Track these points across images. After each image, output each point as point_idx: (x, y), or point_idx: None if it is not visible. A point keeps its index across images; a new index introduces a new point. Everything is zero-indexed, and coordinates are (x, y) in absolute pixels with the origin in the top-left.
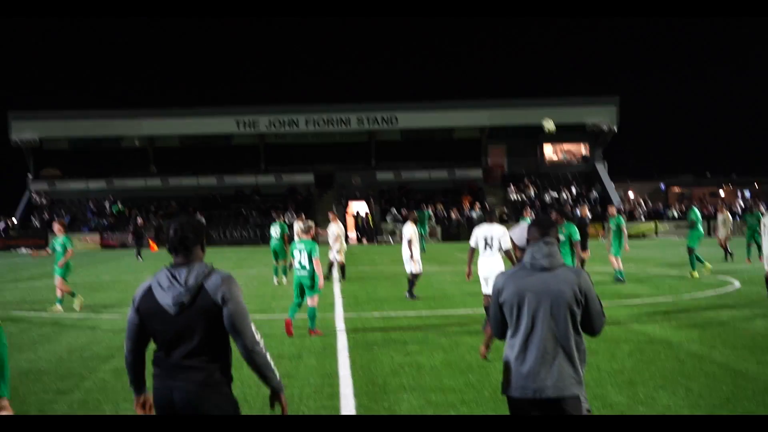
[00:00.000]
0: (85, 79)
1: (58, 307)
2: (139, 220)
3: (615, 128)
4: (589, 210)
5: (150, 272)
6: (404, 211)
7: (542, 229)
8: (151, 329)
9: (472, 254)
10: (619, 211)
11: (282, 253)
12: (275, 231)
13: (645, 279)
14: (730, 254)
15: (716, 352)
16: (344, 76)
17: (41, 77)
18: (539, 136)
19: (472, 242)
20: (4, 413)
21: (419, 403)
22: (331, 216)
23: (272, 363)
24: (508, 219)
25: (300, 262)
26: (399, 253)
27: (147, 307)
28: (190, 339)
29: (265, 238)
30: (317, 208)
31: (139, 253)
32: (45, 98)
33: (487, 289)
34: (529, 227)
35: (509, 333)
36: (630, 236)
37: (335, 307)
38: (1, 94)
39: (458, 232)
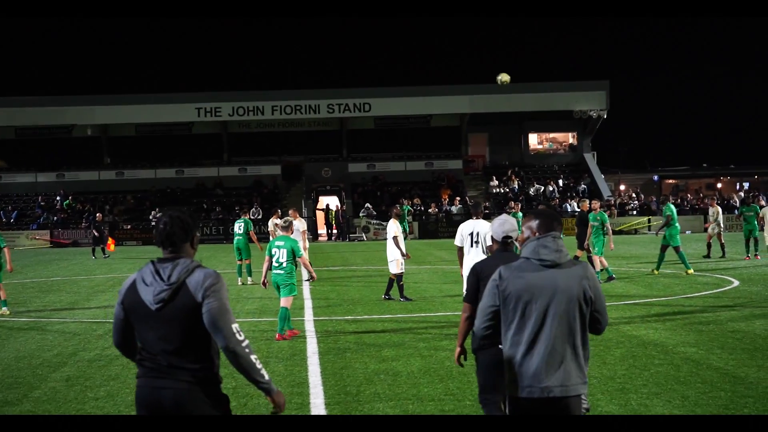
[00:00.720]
0: (32, 62)
1: (5, 309)
2: (98, 216)
3: (605, 115)
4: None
5: (104, 271)
6: (384, 206)
7: (548, 222)
8: (135, 325)
9: (461, 253)
10: (604, 206)
11: (246, 251)
12: (239, 227)
13: (637, 278)
14: (724, 251)
15: (714, 357)
16: (313, 60)
17: None
18: (523, 123)
19: (457, 241)
20: None
21: (395, 413)
22: (291, 213)
23: (258, 364)
24: (492, 213)
25: (278, 260)
26: (372, 251)
27: (130, 302)
28: (174, 337)
29: (229, 236)
30: (285, 202)
31: (94, 252)
32: None
33: None
34: (533, 220)
35: (511, 330)
36: (621, 232)
37: (305, 310)
38: None
39: (436, 228)
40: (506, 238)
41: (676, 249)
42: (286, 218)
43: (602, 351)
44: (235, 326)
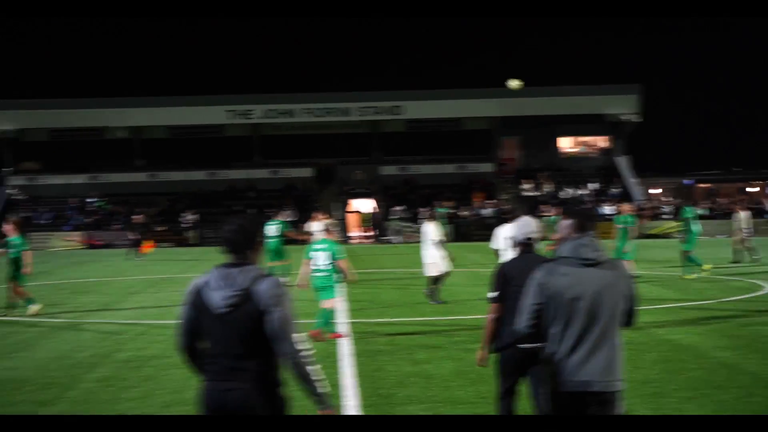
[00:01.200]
0: (67, 65)
1: (34, 307)
2: (139, 217)
3: (637, 119)
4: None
5: (138, 273)
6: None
7: (584, 222)
8: (202, 328)
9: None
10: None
11: (281, 253)
12: (274, 229)
13: (669, 282)
14: (754, 256)
15: (748, 361)
16: (345, 63)
17: (19, 63)
18: (555, 127)
19: (493, 245)
20: None
21: (428, 414)
22: (320, 215)
23: (315, 375)
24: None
25: (318, 263)
26: (405, 254)
27: (198, 305)
28: (239, 340)
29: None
30: (317, 204)
31: (136, 253)
32: (24, 86)
33: None
34: (569, 220)
35: (556, 327)
36: (653, 236)
37: (338, 312)
38: None
39: (469, 231)
40: (528, 239)
41: (686, 252)
42: (327, 222)
43: (636, 355)
44: (296, 336)
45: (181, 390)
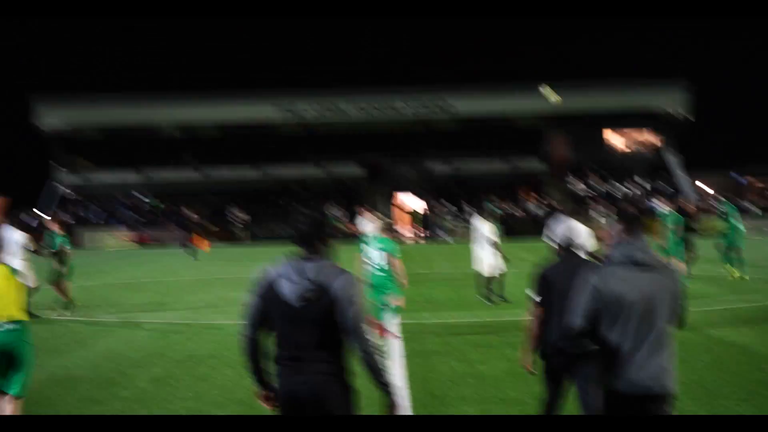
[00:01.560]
0: (117, 62)
1: (54, 311)
2: (195, 216)
3: (687, 115)
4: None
5: (191, 272)
6: (466, 206)
7: (635, 225)
8: (273, 320)
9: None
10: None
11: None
12: None
13: (721, 280)
14: None
15: None
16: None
17: (70, 60)
18: (604, 123)
19: (547, 238)
20: (9, 412)
21: (481, 414)
22: (365, 210)
23: (385, 367)
24: (571, 213)
25: (374, 261)
26: (457, 253)
27: (270, 297)
28: (313, 333)
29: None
30: (366, 201)
31: (194, 253)
32: (75, 83)
33: None
34: (621, 223)
35: (612, 330)
36: (705, 233)
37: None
38: (27, 78)
39: (518, 228)
40: (569, 242)
41: (728, 248)
42: (386, 220)
43: (690, 356)
44: (369, 331)
45: (235, 389)
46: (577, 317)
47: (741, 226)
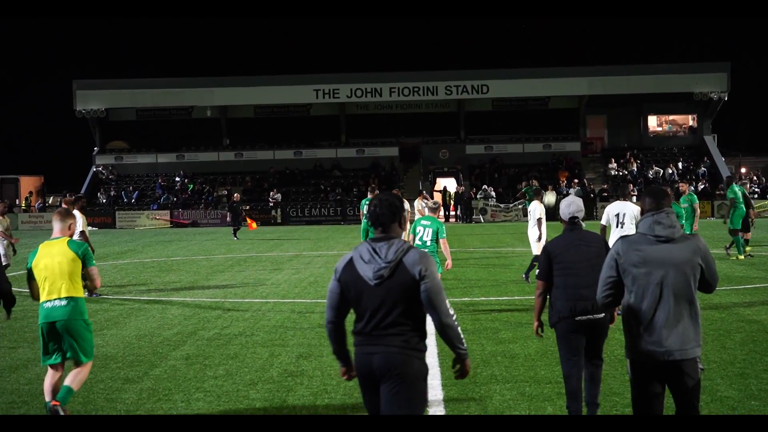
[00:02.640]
0: (153, 45)
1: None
2: (236, 196)
3: (726, 97)
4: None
5: (224, 251)
6: (501, 188)
7: (658, 199)
8: (352, 299)
9: (604, 233)
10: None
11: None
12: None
13: (757, 262)
14: None
15: None
16: (432, 42)
17: (107, 43)
18: (643, 105)
19: (603, 220)
20: (78, 376)
21: (512, 395)
22: (425, 194)
23: (462, 335)
24: (609, 196)
25: (422, 239)
26: (490, 234)
27: (348, 278)
28: (389, 309)
29: (347, 217)
30: (402, 183)
31: (235, 233)
32: (111, 66)
33: None
34: (644, 198)
35: (632, 299)
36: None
37: None
38: (65, 62)
39: (555, 210)
40: (573, 218)
41: (734, 232)
42: (435, 200)
43: (722, 336)
44: (447, 303)
45: (266, 368)
46: (600, 286)
47: (742, 207)
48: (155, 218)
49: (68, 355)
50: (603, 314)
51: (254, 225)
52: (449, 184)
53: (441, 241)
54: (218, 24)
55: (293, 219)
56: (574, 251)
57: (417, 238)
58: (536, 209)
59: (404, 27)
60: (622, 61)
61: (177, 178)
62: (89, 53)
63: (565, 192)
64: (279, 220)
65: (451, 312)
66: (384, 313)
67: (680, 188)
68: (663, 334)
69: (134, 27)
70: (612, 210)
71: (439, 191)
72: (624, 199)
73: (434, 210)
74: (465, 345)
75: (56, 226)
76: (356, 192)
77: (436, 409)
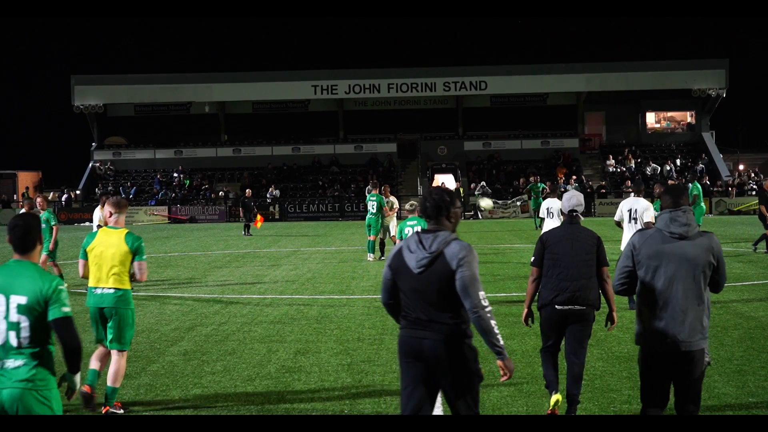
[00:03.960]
0: (152, 41)
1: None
2: (248, 192)
3: (724, 94)
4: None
5: (221, 248)
6: (500, 185)
7: (676, 197)
8: (399, 285)
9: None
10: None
11: (376, 228)
12: (372, 205)
13: (755, 259)
14: None
15: None
16: (429, 38)
17: (106, 39)
18: (641, 102)
19: (617, 216)
20: (115, 364)
21: (509, 391)
22: (384, 189)
23: (496, 329)
24: (607, 193)
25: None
26: (487, 230)
27: (397, 265)
28: (432, 296)
29: (345, 213)
30: (400, 179)
31: (246, 230)
32: (110, 61)
33: None
34: (663, 195)
35: (644, 290)
36: (740, 212)
37: None
38: (63, 57)
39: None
40: (572, 211)
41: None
42: (412, 202)
43: (720, 332)
44: (481, 293)
45: (264, 364)
46: (616, 275)
47: (702, 206)
48: (153, 214)
49: (110, 337)
50: (584, 306)
51: (259, 224)
52: (447, 180)
53: None
54: (216, 20)
55: (291, 215)
56: (566, 243)
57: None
58: (553, 205)
59: (402, 23)
60: (621, 58)
61: (175, 174)
62: (87, 48)
63: (563, 188)
64: (277, 216)
65: (485, 303)
66: (428, 300)
67: (654, 190)
68: (671, 325)
69: (132, 23)
70: (625, 206)
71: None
72: (637, 195)
73: (412, 211)
74: (500, 340)
75: (112, 217)
76: (354, 188)
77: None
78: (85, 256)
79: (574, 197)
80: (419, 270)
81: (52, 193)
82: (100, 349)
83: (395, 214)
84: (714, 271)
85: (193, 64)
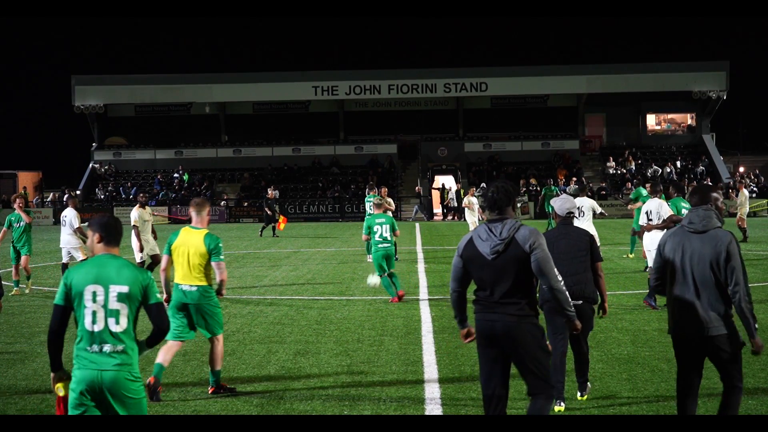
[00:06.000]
0: (152, 41)
1: (17, 289)
2: (270, 192)
3: (724, 96)
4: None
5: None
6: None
7: (700, 196)
8: (472, 272)
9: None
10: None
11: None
12: (371, 206)
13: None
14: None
15: None
16: (430, 39)
17: (106, 39)
18: (641, 104)
19: (642, 221)
20: (216, 349)
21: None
22: (382, 192)
23: (570, 299)
24: (607, 195)
25: (382, 235)
26: None
27: (469, 254)
28: (505, 280)
29: (345, 214)
30: (401, 180)
31: (272, 229)
32: (110, 62)
33: None
34: (692, 195)
35: (670, 282)
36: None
37: (419, 290)
38: (64, 58)
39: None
40: (568, 213)
41: (633, 231)
42: (378, 197)
43: None
44: (555, 270)
45: (263, 365)
46: (652, 273)
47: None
48: (153, 214)
49: (199, 328)
50: (580, 301)
51: (282, 225)
52: (448, 181)
53: (396, 233)
54: (217, 21)
55: (291, 216)
56: (562, 242)
57: (377, 235)
58: (584, 204)
59: (403, 24)
60: (621, 60)
61: (175, 175)
62: (88, 48)
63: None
64: (277, 217)
65: (560, 278)
66: (501, 284)
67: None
68: (688, 312)
69: (133, 23)
70: (559, 202)
71: (437, 188)
72: (655, 196)
73: (379, 206)
74: (573, 310)
75: (194, 217)
76: (354, 189)
77: (433, 407)
78: (170, 252)
79: (567, 201)
80: (493, 256)
81: (51, 194)
82: (168, 344)
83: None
84: (726, 264)
85: (194, 65)
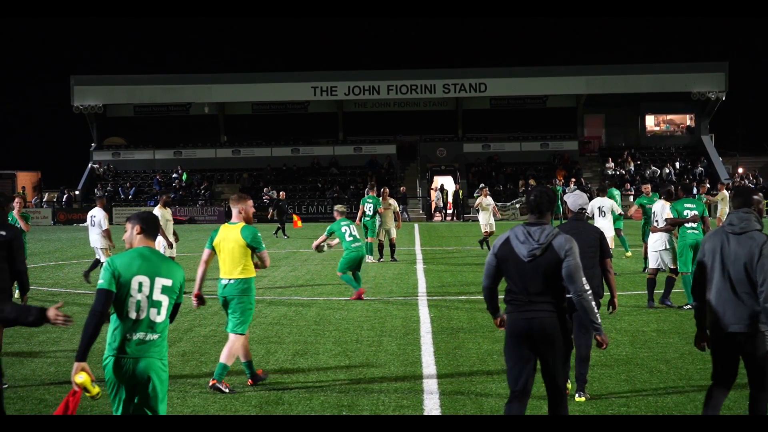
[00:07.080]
0: (151, 41)
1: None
2: (281, 194)
3: (723, 97)
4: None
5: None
6: (500, 187)
7: (743, 200)
8: (505, 271)
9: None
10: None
11: (373, 230)
12: (369, 208)
13: None
14: None
15: None
16: (429, 40)
17: (105, 39)
18: (640, 105)
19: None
20: (233, 345)
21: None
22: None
23: (596, 309)
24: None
25: (355, 237)
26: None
27: (504, 254)
28: (538, 281)
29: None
30: (400, 181)
31: (282, 230)
32: (109, 62)
33: None
34: (734, 197)
35: (708, 280)
36: None
37: (418, 290)
38: (63, 58)
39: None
40: (580, 210)
41: (617, 231)
42: (339, 206)
43: None
44: (583, 279)
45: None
46: (695, 275)
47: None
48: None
49: (230, 322)
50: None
51: (299, 223)
52: (447, 182)
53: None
54: (216, 21)
55: (288, 215)
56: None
57: (346, 235)
58: (605, 204)
59: (402, 25)
60: (620, 61)
61: (174, 175)
62: (87, 48)
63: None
64: (275, 218)
65: (587, 287)
66: (535, 285)
67: (644, 189)
68: (723, 309)
69: (132, 23)
70: (571, 199)
71: (437, 189)
72: (666, 200)
73: (342, 213)
74: (598, 319)
75: (234, 211)
76: (353, 189)
77: (432, 407)
78: (211, 247)
79: (580, 198)
80: (529, 258)
81: (47, 194)
82: (236, 341)
83: (393, 217)
84: (757, 264)
85: (193, 65)
